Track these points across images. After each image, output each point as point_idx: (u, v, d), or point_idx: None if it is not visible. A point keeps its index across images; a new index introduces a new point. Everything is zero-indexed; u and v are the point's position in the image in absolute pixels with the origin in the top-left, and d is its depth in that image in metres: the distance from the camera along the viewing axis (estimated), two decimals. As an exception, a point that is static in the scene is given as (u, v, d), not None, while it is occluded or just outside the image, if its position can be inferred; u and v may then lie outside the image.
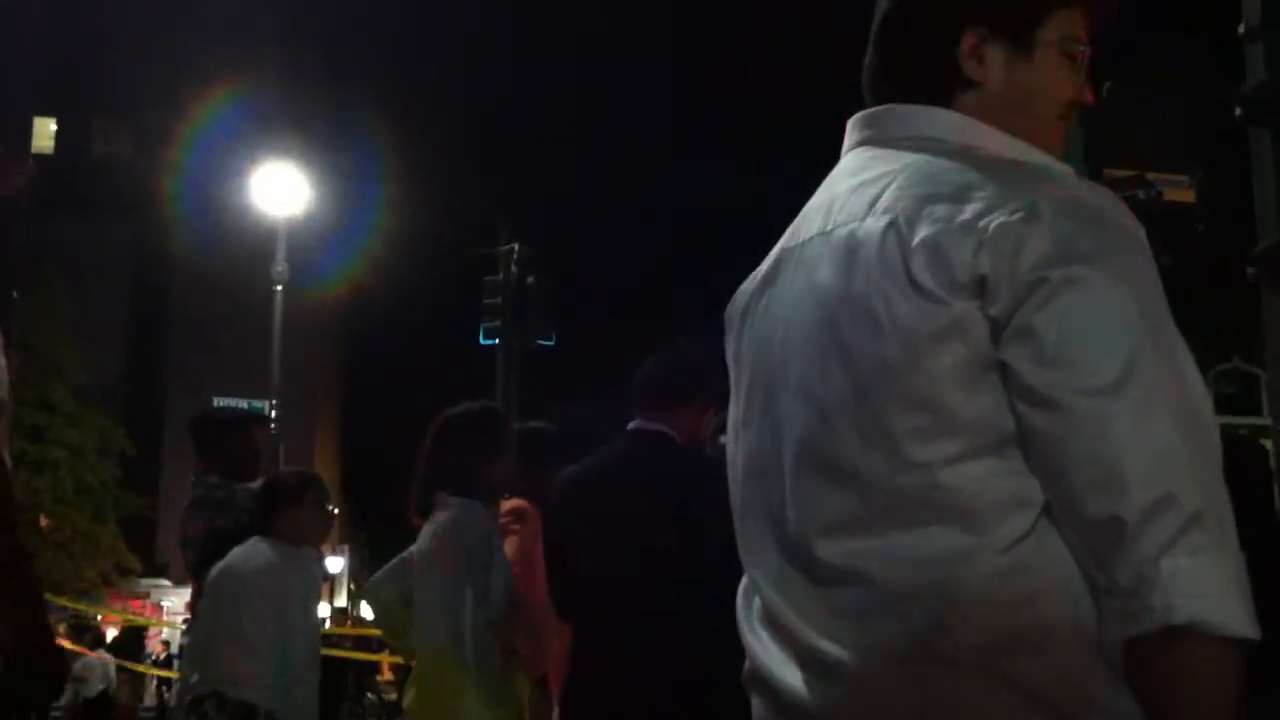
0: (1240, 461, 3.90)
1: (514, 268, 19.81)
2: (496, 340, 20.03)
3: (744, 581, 1.79)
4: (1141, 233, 1.54)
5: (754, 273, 1.84)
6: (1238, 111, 7.27)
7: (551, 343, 20.26)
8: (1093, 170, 5.91)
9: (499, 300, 19.74)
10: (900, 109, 1.70)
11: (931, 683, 1.48)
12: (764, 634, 1.69)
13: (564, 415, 5.58)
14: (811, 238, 1.70)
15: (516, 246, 19.86)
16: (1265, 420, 9.98)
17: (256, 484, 5.57)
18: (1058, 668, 1.45)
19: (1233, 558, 1.41)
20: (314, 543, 5.43)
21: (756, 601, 1.73)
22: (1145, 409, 1.42)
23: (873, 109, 1.75)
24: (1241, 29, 7.37)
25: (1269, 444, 6.89)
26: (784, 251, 1.76)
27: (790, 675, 1.61)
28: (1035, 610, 1.45)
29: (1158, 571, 1.38)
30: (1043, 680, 1.45)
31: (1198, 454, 1.43)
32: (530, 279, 19.90)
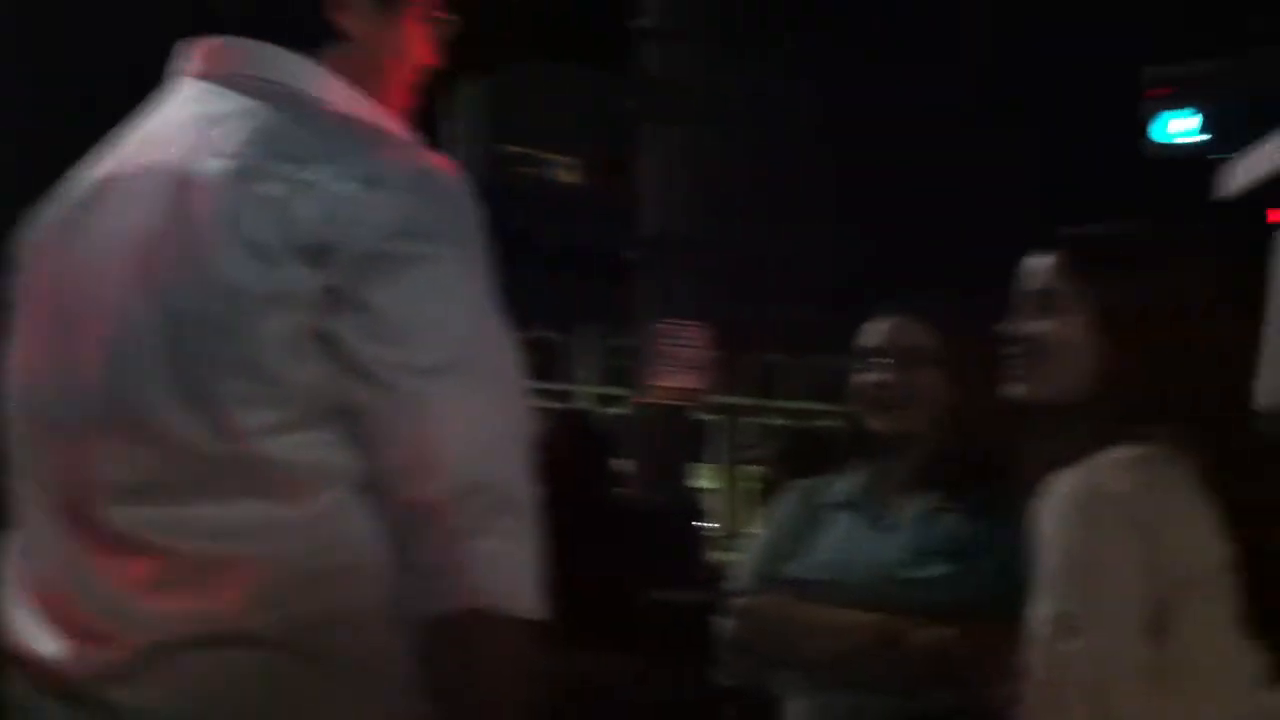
0: (575, 440, 4.17)
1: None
2: None
3: (10, 544, 1.62)
4: (478, 212, 1.54)
5: (54, 198, 1.65)
6: (631, 104, 7.80)
7: None
8: (489, 145, 6.11)
9: None
10: (253, 48, 1.60)
11: (232, 659, 1.43)
12: (24, 602, 1.56)
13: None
14: (132, 171, 1.56)
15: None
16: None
17: None
18: (365, 644, 1.45)
19: (531, 542, 1.46)
20: None
21: (21, 566, 1.59)
22: (468, 393, 1.43)
23: (218, 40, 1.62)
24: (639, 25, 7.89)
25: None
26: (97, 181, 1.60)
27: (60, 649, 1.50)
28: (345, 586, 1.44)
29: (464, 553, 1.40)
30: (350, 656, 1.44)
31: (511, 441, 1.47)
32: None
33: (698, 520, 6.23)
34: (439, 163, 1.55)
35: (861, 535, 2.22)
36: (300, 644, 1.43)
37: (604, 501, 4.20)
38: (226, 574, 1.43)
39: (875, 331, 2.28)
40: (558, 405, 11.03)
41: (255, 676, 1.44)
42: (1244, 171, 2.64)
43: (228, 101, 1.56)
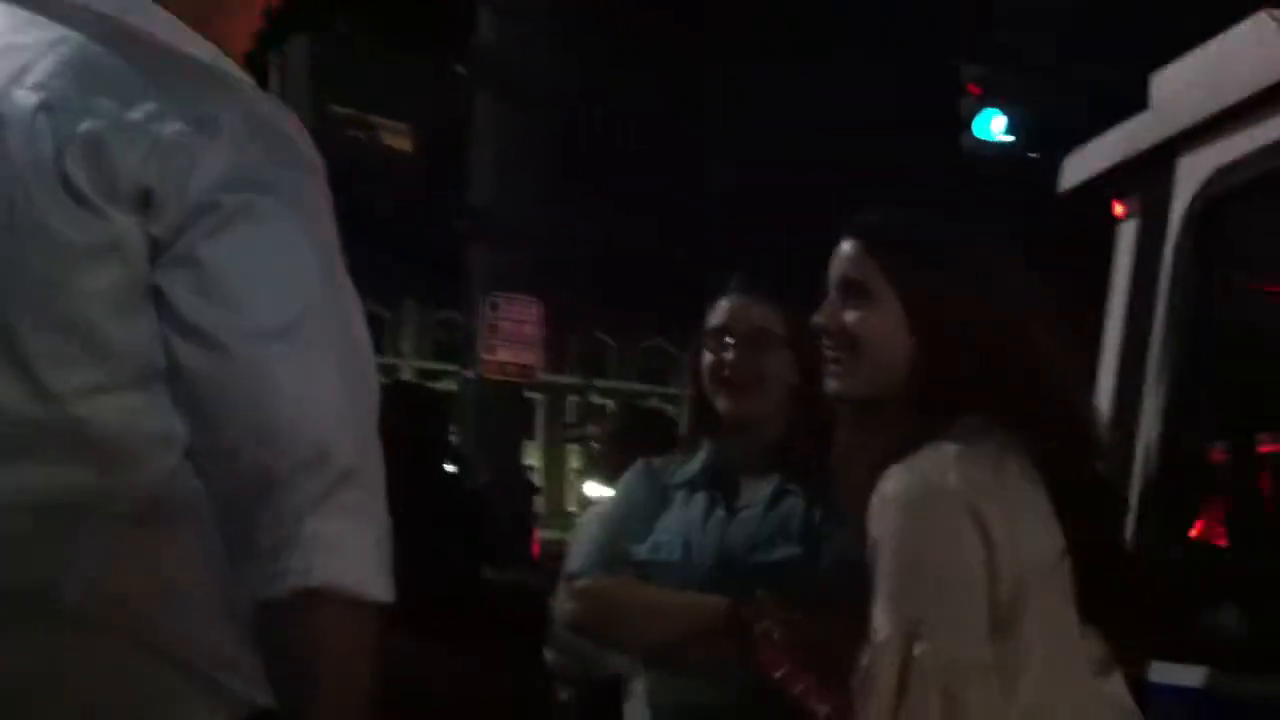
0: (410, 413, 4.07)
1: None
2: None
3: None
4: (322, 166, 1.44)
5: None
6: (464, 73, 7.68)
7: None
8: (317, 104, 5.94)
9: None
10: None
11: (45, 640, 1.33)
12: None
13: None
14: None
15: None
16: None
17: None
18: (193, 626, 1.35)
19: (378, 519, 1.38)
20: None
21: None
22: (312, 358, 1.34)
23: None
24: (471, -5, 7.77)
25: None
26: None
27: None
28: (172, 563, 1.35)
29: (301, 531, 1.31)
30: (177, 639, 1.35)
31: (358, 410, 1.38)
32: None
33: (529, 498, 6.19)
34: (280, 110, 1.45)
35: (708, 517, 2.18)
36: (123, 626, 1.33)
37: (435, 477, 4.13)
38: (42, 547, 1.32)
39: (722, 311, 2.24)
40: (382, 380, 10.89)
41: (76, 660, 1.33)
42: (1082, 164, 2.68)
43: (40, 28, 1.42)
